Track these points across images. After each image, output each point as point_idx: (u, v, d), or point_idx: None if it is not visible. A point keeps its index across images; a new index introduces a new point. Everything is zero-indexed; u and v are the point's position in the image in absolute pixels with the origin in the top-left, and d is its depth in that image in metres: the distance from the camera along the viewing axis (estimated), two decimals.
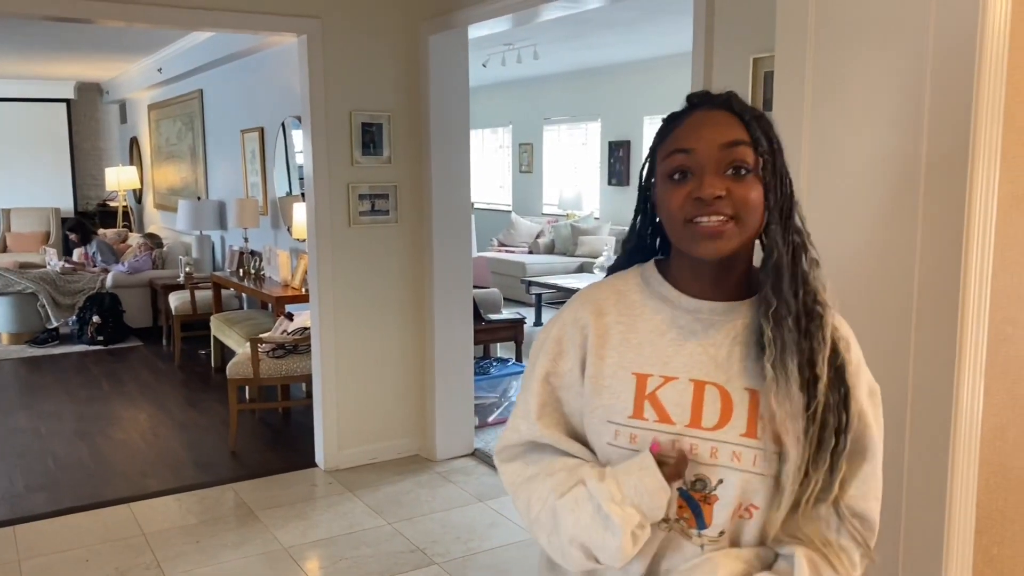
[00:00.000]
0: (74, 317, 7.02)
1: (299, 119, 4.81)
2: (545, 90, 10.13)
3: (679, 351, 1.12)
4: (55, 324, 6.97)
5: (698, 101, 1.12)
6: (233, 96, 6.75)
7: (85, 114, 10.21)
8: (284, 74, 5.61)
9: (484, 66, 6.55)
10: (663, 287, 1.16)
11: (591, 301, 1.18)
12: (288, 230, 5.70)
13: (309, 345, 4.37)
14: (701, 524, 1.10)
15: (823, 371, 1.07)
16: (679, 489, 1.10)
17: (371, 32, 3.96)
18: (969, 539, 1.52)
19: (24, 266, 7.87)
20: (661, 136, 1.13)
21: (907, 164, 1.51)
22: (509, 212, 10.58)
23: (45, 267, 7.63)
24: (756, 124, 1.08)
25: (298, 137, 5.48)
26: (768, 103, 2.40)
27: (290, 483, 4.01)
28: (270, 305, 5.57)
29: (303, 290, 5.07)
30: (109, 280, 7.19)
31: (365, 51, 3.96)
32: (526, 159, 10.68)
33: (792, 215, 1.10)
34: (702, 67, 2.62)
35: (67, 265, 7.51)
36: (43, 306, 6.96)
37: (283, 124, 5.78)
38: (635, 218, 1.21)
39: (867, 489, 1.12)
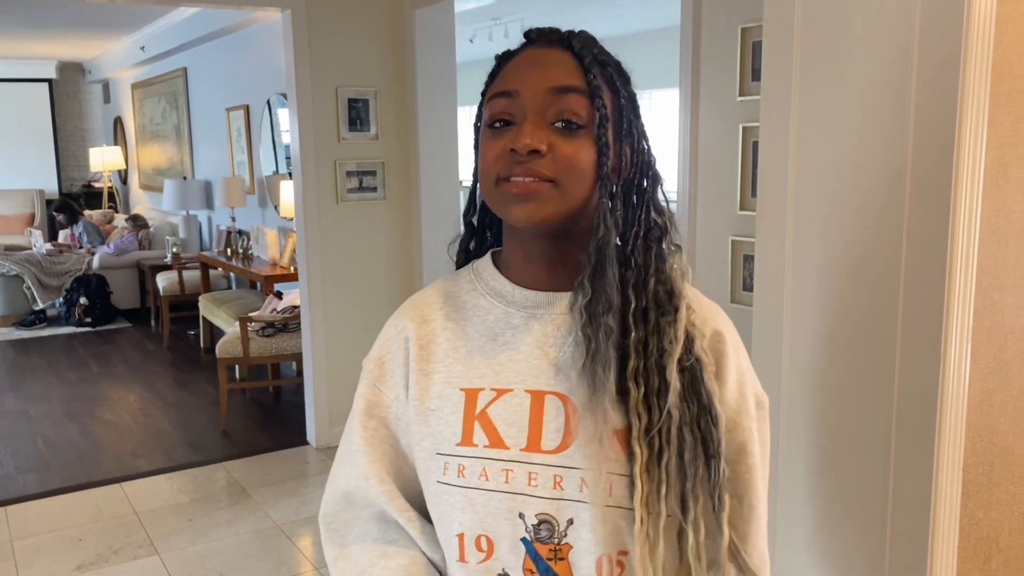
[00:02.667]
0: (61, 299, 6.98)
1: (285, 96, 4.77)
2: None
3: (513, 356, 0.91)
4: (42, 306, 6.93)
5: (535, 36, 0.92)
6: (217, 74, 6.69)
7: (67, 94, 10.08)
8: (269, 51, 5.55)
9: (471, 41, 6.49)
10: (495, 280, 0.95)
11: (413, 307, 0.98)
12: (275, 208, 5.67)
13: (299, 323, 4.37)
14: None
15: (674, 377, 0.86)
16: (522, 539, 0.87)
17: (356, 5, 3.92)
18: (955, 503, 1.54)
19: (9, 248, 7.80)
20: (492, 77, 0.94)
21: (894, 130, 1.51)
22: None
23: (31, 249, 7.57)
24: (598, 70, 0.88)
25: (284, 115, 5.43)
26: (757, 72, 2.40)
27: (282, 461, 4.02)
28: (259, 284, 5.55)
29: (292, 268, 5.06)
30: (96, 261, 7.14)
31: (350, 25, 3.92)
32: None
33: (650, 191, 0.92)
34: (690, 38, 2.62)
35: (53, 247, 7.46)
36: (29, 288, 6.92)
37: (268, 102, 5.72)
38: (474, 183, 0.99)
39: (758, 539, 0.95)
